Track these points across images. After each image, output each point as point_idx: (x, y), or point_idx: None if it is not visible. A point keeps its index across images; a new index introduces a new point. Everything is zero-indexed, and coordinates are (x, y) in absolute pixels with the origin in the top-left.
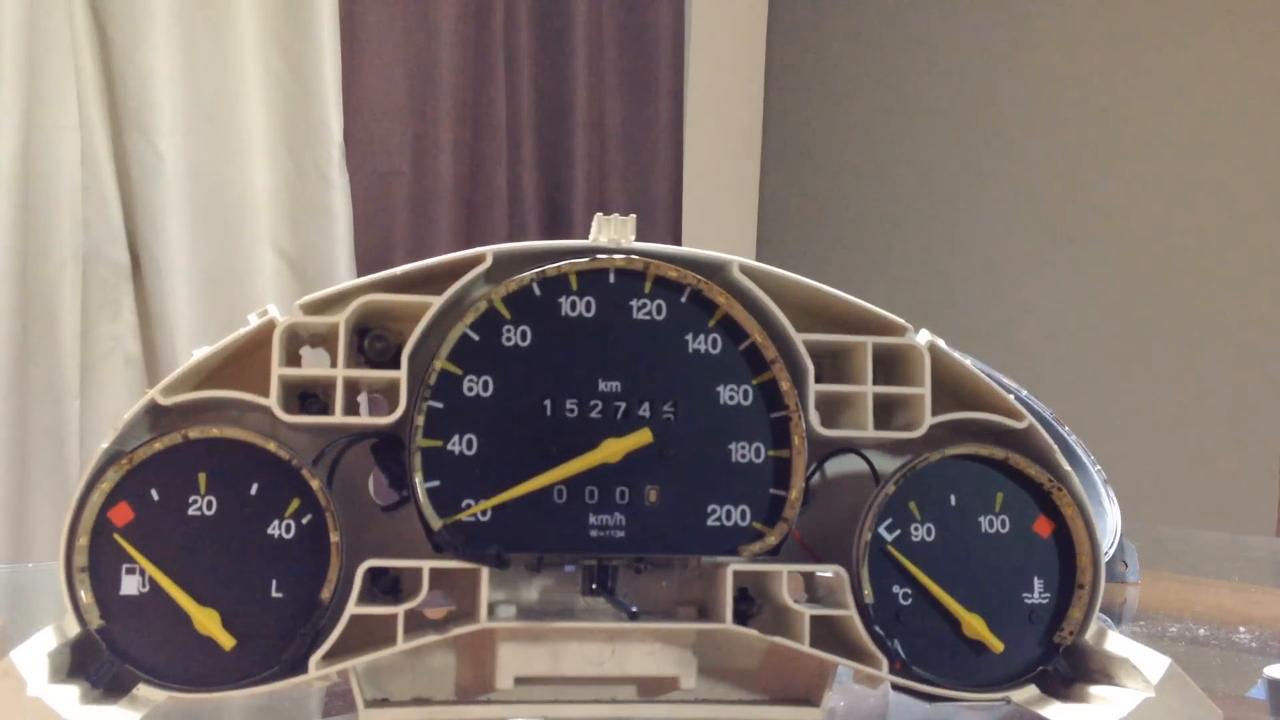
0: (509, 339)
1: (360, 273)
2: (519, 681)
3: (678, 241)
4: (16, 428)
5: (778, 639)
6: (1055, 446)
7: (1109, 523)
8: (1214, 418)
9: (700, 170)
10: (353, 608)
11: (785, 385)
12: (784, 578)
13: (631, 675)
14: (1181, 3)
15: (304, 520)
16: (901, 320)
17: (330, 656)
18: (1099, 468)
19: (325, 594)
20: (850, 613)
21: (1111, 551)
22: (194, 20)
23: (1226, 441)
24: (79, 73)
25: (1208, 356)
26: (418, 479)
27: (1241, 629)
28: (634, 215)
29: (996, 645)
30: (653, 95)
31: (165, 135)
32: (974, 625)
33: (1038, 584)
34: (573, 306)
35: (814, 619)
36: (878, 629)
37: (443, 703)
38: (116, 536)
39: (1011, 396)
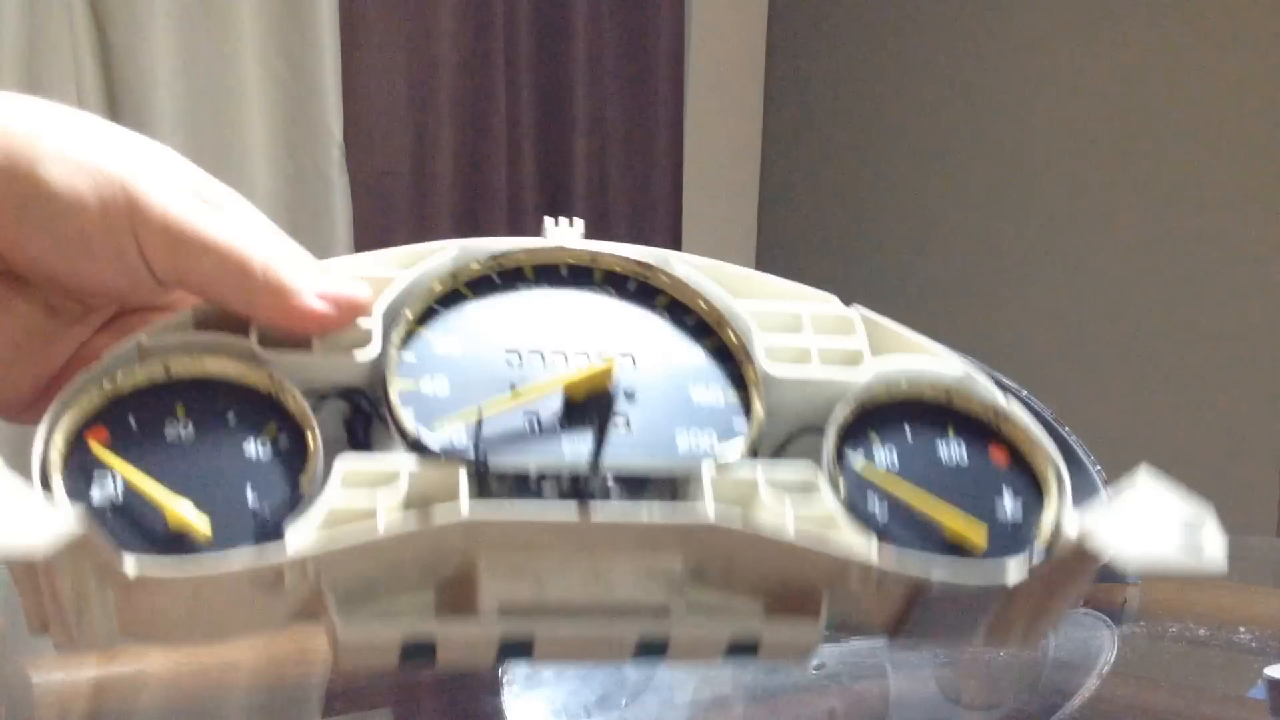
0: (474, 312)
1: None
2: (502, 609)
3: (677, 242)
4: (16, 428)
5: (760, 530)
6: (994, 388)
7: None
8: (1214, 418)
9: (700, 170)
10: (331, 495)
11: (733, 338)
12: (759, 480)
13: (620, 603)
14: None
15: (281, 441)
16: (828, 294)
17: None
18: (1099, 468)
19: (304, 484)
20: (830, 503)
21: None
22: (194, 20)
23: (1226, 441)
24: (79, 73)
25: (1208, 356)
26: (394, 396)
27: (1241, 629)
28: (581, 220)
29: (979, 539)
30: (653, 95)
31: (165, 135)
32: (953, 520)
33: (1007, 497)
34: (530, 290)
35: (799, 531)
36: (858, 510)
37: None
38: (91, 446)
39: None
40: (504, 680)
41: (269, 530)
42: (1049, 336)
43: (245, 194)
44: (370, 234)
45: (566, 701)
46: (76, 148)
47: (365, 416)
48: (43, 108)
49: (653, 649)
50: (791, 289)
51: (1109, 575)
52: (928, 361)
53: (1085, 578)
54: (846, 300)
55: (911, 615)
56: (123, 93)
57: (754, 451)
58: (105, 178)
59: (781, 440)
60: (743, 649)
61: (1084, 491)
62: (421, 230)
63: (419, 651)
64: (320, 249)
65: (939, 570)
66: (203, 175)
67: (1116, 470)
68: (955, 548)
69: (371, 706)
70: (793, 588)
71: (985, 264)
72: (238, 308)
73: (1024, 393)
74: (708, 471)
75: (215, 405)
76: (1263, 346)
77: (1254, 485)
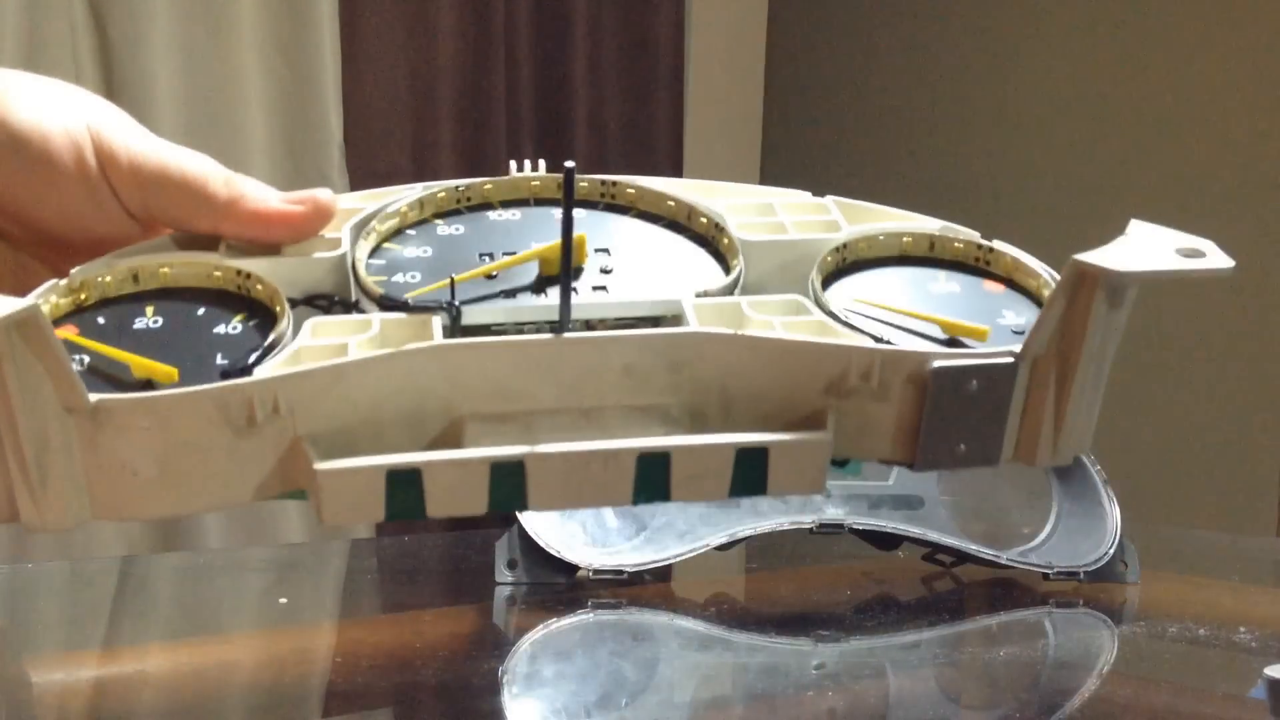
0: (443, 231)
1: None
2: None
3: None
4: None
5: (750, 333)
6: (976, 234)
7: (1109, 523)
8: (1214, 417)
9: (700, 170)
10: (302, 338)
11: (704, 221)
12: (743, 309)
13: (615, 448)
14: None
15: (250, 322)
16: (801, 191)
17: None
18: (1099, 468)
19: (273, 335)
20: (820, 316)
21: (1111, 551)
22: (194, 20)
23: (1226, 441)
24: (79, 73)
25: (1208, 356)
26: (363, 274)
27: (1241, 629)
28: (543, 160)
29: (982, 331)
30: (653, 95)
31: (165, 135)
32: (954, 324)
33: (1008, 316)
34: (499, 215)
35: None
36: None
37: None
38: (60, 332)
39: None
40: (504, 680)
41: (238, 373)
42: None
43: None
44: None
45: (566, 701)
46: (43, 100)
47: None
48: (4, 70)
49: (654, 483)
50: (763, 190)
51: (1109, 575)
52: (906, 221)
53: (1097, 325)
54: None
55: (927, 432)
56: (123, 92)
57: (736, 282)
58: (71, 123)
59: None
60: (751, 471)
61: (1084, 491)
62: None
63: (406, 494)
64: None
65: (941, 356)
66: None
67: (1117, 470)
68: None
69: (371, 706)
70: (796, 408)
71: None
72: (208, 226)
73: None
74: (689, 302)
75: (184, 303)
76: (1263, 346)
77: (1254, 485)
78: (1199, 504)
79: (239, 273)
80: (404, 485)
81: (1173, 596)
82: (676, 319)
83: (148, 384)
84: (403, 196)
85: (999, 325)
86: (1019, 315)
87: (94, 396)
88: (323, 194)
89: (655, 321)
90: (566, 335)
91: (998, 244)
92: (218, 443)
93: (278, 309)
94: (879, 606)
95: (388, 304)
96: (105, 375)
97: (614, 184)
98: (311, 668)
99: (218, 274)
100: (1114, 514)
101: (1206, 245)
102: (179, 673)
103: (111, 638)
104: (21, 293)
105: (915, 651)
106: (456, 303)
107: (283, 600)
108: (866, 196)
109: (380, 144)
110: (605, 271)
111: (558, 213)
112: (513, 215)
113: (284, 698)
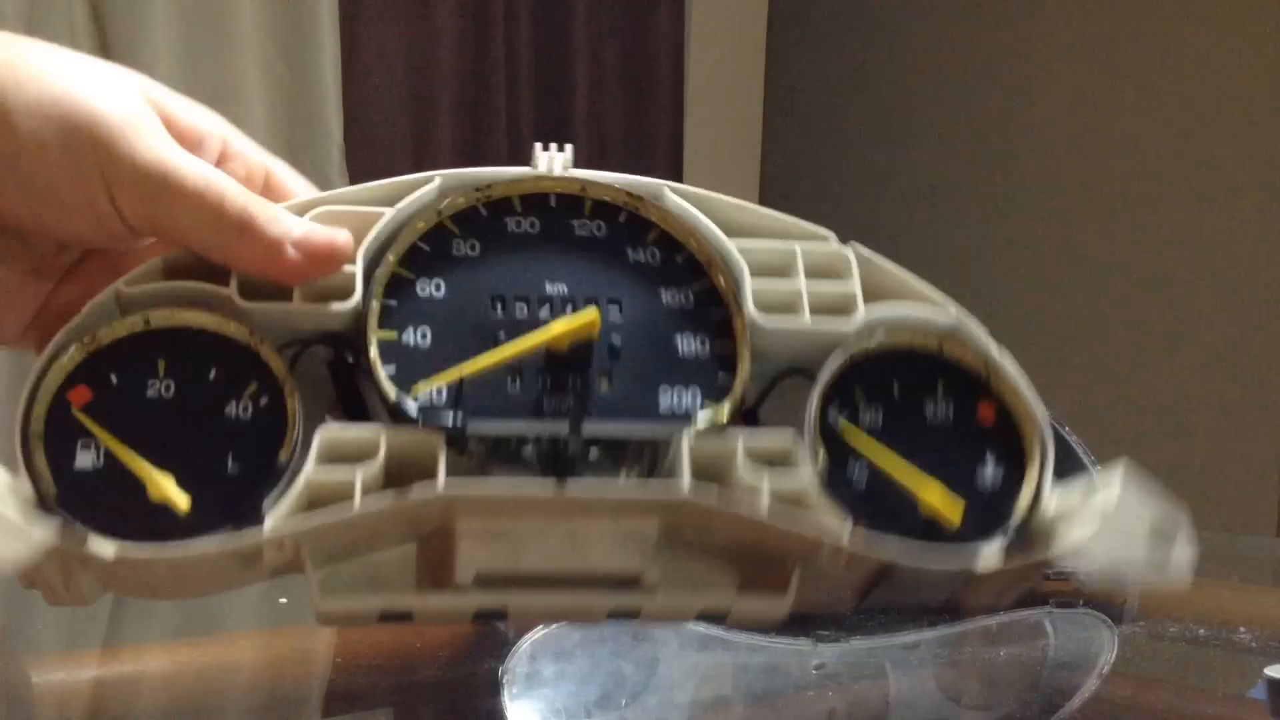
0: (458, 250)
1: None
2: (479, 580)
3: None
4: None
5: (735, 507)
6: (988, 337)
7: None
8: (1214, 418)
9: (700, 170)
10: (310, 470)
11: (722, 281)
12: (738, 451)
13: (594, 571)
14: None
15: (262, 402)
16: (824, 230)
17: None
18: (1099, 468)
19: (283, 455)
20: (805, 485)
21: None
22: (194, 20)
23: (1226, 441)
24: None
25: (1208, 356)
26: (374, 357)
27: (1241, 629)
28: (570, 146)
29: (954, 515)
30: (653, 95)
31: None
32: (930, 493)
33: (990, 464)
34: (518, 225)
35: (772, 501)
36: (834, 493)
37: (401, 592)
38: (74, 412)
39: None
40: (504, 680)
41: (247, 506)
42: (1049, 336)
43: None
44: None
45: (566, 702)
46: (46, 97)
47: (348, 362)
48: (11, 48)
49: (625, 615)
50: (787, 225)
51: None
52: (920, 309)
53: (1053, 564)
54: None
55: (879, 586)
56: None
57: (738, 406)
58: (75, 129)
59: (768, 381)
60: (712, 617)
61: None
62: None
63: (397, 616)
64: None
65: (909, 555)
66: (183, 104)
67: None
68: (931, 521)
69: (371, 706)
70: (764, 557)
71: (985, 265)
72: (214, 258)
73: None
74: (686, 441)
75: (196, 360)
76: (1263, 346)
77: (1254, 485)
78: (1199, 504)
79: (252, 332)
80: (396, 615)
81: (1173, 596)
82: (671, 444)
83: (162, 508)
84: (418, 200)
85: (975, 486)
86: (996, 471)
87: (110, 550)
88: (340, 237)
89: (653, 447)
90: (568, 490)
91: (1005, 360)
92: (228, 568)
93: (289, 402)
94: (879, 606)
95: (398, 413)
96: (119, 485)
97: (640, 200)
98: (311, 668)
99: (231, 328)
100: None
101: (1181, 527)
102: (179, 673)
103: (111, 638)
104: None
105: (915, 651)
106: (462, 423)
107: (283, 600)
108: (865, 197)
109: (380, 144)
110: (614, 353)
111: (579, 228)
112: (531, 225)
113: (284, 698)
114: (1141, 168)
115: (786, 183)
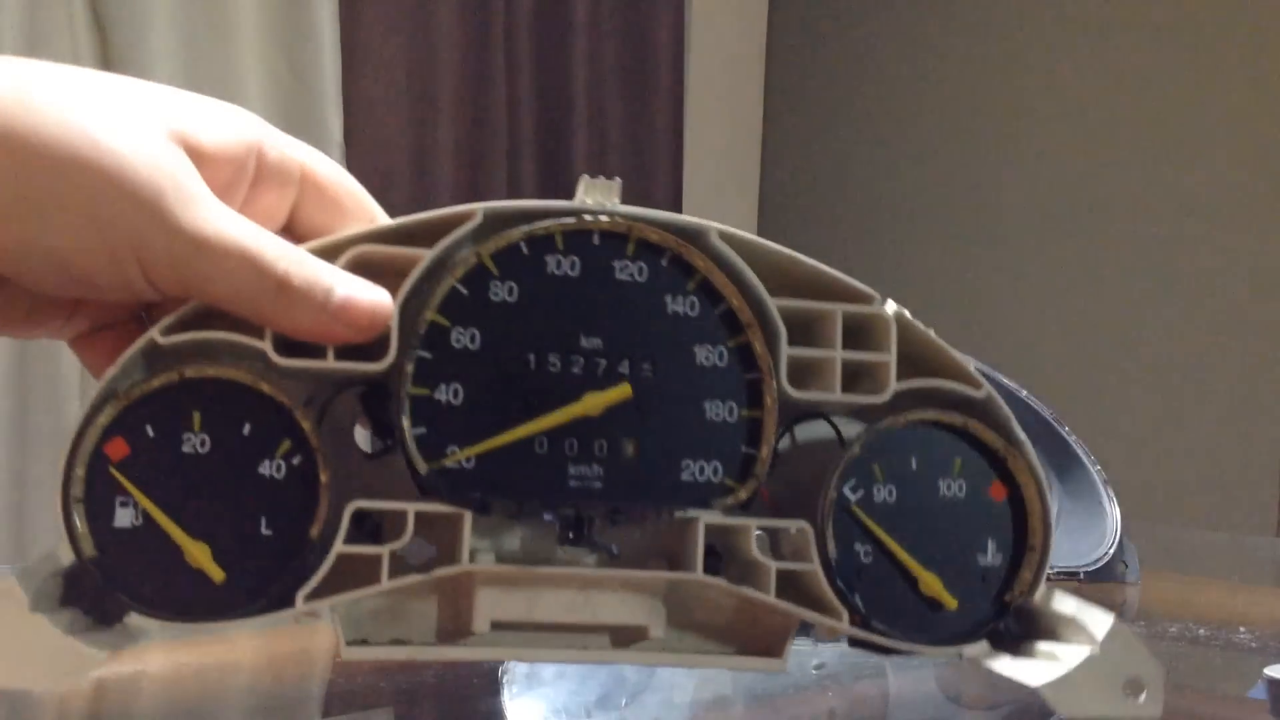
0: (496, 294)
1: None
2: (495, 626)
3: None
4: (16, 428)
5: (744, 590)
6: (1011, 416)
7: (1109, 523)
8: (1214, 418)
9: (700, 170)
10: (339, 547)
11: (759, 348)
12: (752, 532)
13: (603, 623)
14: (1189, 3)
15: (294, 461)
16: (870, 290)
17: (316, 595)
18: (1099, 468)
19: (314, 532)
20: (814, 567)
21: (1111, 551)
22: (194, 21)
23: (1226, 441)
24: None
25: (1208, 356)
26: (405, 424)
27: (1241, 629)
28: (619, 179)
29: (951, 603)
30: (653, 95)
31: None
32: (930, 583)
33: (991, 546)
34: (558, 265)
35: (779, 575)
36: (839, 583)
37: (420, 644)
38: (112, 470)
39: (980, 380)
40: (504, 680)
41: (280, 585)
42: (1049, 336)
43: None
44: None
45: (566, 701)
46: (64, 150)
47: (382, 403)
48: (14, 80)
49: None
50: (831, 281)
51: (1109, 575)
52: (951, 382)
53: None
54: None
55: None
56: None
57: (759, 485)
58: (102, 195)
59: (790, 422)
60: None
61: (1084, 491)
62: None
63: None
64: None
65: (904, 643)
66: (209, 124)
67: (1117, 470)
68: (931, 599)
69: (371, 706)
70: (763, 631)
71: (986, 262)
72: (253, 320)
73: (1024, 393)
74: (701, 528)
75: (230, 413)
76: (1263, 346)
77: (1254, 485)
78: (1199, 504)
79: (286, 395)
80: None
81: (1173, 596)
82: (689, 521)
83: (198, 572)
84: (458, 241)
85: (976, 564)
86: (997, 556)
87: (152, 626)
88: (381, 302)
89: (670, 515)
90: (587, 572)
91: (1025, 445)
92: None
93: (321, 471)
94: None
95: (427, 487)
96: (156, 546)
97: (686, 245)
98: (311, 668)
99: (265, 387)
100: (1114, 514)
101: (1155, 680)
102: (179, 673)
103: None
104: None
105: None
106: (488, 501)
107: None
108: (865, 197)
109: (380, 144)
110: (642, 415)
111: (619, 270)
112: (571, 267)
113: (284, 698)
114: (1142, 168)
115: (786, 183)
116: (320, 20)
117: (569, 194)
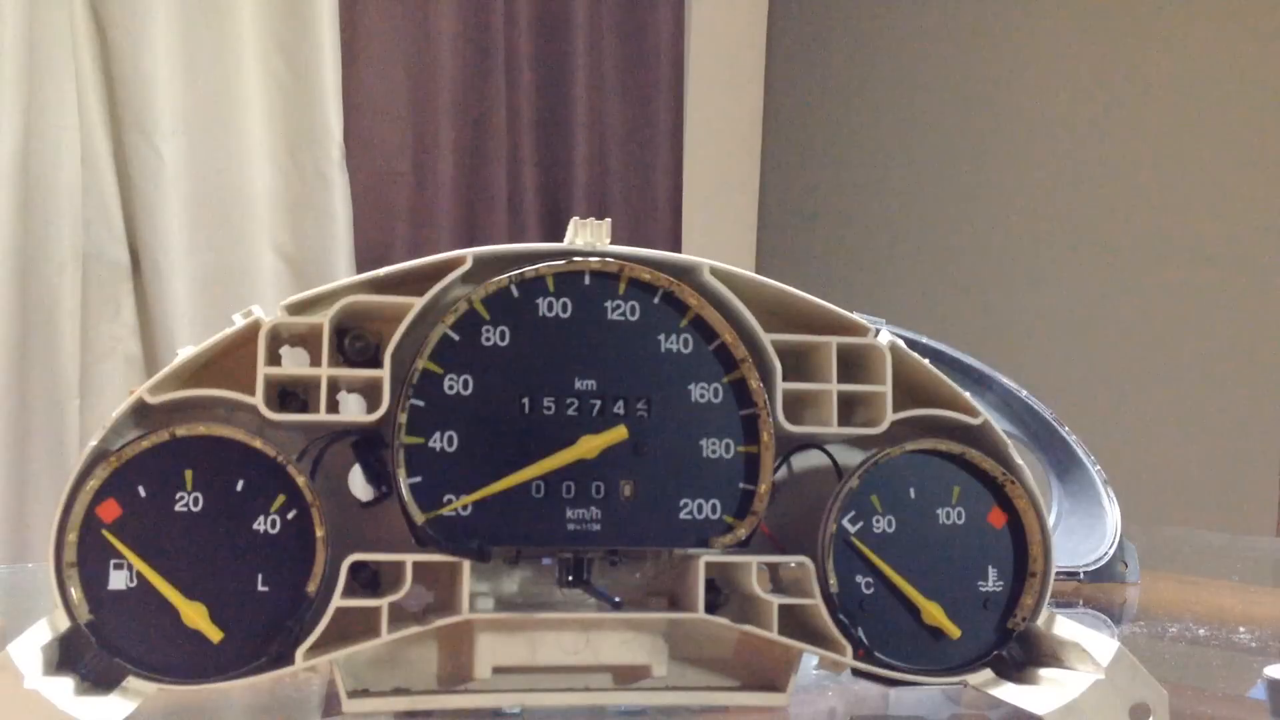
0: (488, 339)
1: (360, 272)
2: (497, 671)
3: (677, 243)
4: (16, 428)
5: (746, 628)
6: (1008, 442)
7: (1109, 523)
8: (1214, 418)
9: (700, 171)
10: (338, 601)
11: (754, 384)
12: (753, 569)
13: (605, 664)
14: (1188, 5)
15: (289, 515)
16: (863, 321)
17: (315, 649)
18: (1099, 468)
19: (311, 587)
20: (816, 601)
21: (1111, 551)
22: (194, 21)
23: (1226, 441)
24: (79, 73)
25: (1208, 357)
26: (401, 475)
27: (1241, 629)
28: (609, 219)
29: (954, 631)
30: (653, 95)
31: (165, 136)
32: (933, 613)
33: (992, 573)
34: (549, 307)
35: (781, 608)
36: (842, 617)
37: (422, 693)
38: (104, 533)
39: (968, 389)
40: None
41: (279, 644)
42: (1049, 336)
43: (245, 194)
44: (370, 234)
45: None
46: None
47: (376, 438)
48: None
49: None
50: (827, 317)
51: (1109, 575)
52: (950, 411)
53: None
54: (857, 304)
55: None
56: (122, 93)
57: (758, 522)
58: None
59: (787, 454)
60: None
61: (1084, 491)
62: (421, 231)
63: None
64: (320, 249)
65: (908, 674)
66: None
67: (1117, 470)
68: (931, 627)
69: None
70: (766, 665)
71: (985, 265)
72: None
73: (1024, 393)
74: (702, 568)
75: (223, 470)
76: (1263, 347)
77: (1254, 485)
78: (1199, 504)
79: (278, 452)
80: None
81: (1173, 596)
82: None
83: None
84: (448, 288)
85: (977, 591)
86: (999, 577)
87: (150, 688)
88: None
89: (670, 553)
90: (587, 615)
91: (1023, 469)
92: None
93: (317, 527)
94: None
95: (424, 537)
96: (152, 607)
97: (678, 283)
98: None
99: (257, 442)
100: (1114, 514)
101: (1159, 707)
102: None
103: None
104: None
105: None
106: (486, 549)
107: None
108: (865, 197)
109: (380, 144)
110: (639, 455)
111: (612, 310)
112: (563, 308)
113: (284, 698)
114: (1143, 168)
115: (786, 183)
116: (320, 20)
117: (569, 194)
